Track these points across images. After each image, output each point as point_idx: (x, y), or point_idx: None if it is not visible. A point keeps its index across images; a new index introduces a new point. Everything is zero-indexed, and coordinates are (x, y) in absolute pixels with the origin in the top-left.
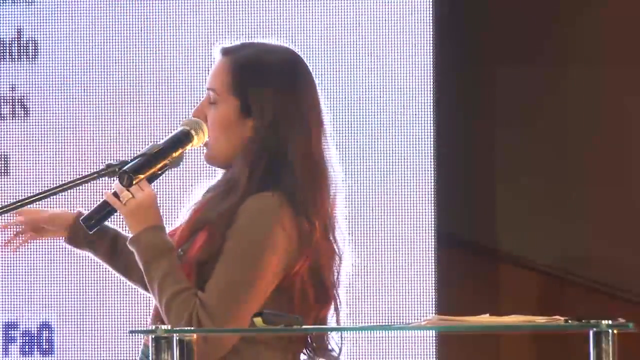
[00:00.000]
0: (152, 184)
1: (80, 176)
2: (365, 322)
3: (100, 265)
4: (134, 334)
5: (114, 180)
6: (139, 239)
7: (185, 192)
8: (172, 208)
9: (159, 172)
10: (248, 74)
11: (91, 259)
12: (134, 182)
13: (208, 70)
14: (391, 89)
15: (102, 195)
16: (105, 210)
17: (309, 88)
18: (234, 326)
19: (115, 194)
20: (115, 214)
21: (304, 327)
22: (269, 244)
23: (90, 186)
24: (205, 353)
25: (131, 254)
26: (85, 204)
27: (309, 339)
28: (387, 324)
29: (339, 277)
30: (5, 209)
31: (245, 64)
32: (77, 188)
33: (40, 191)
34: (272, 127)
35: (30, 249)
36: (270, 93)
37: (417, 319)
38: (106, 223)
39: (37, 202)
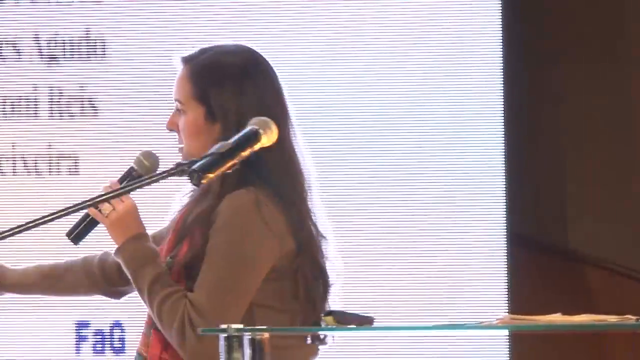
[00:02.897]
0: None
1: (149, 175)
2: (438, 322)
3: None
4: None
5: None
6: (123, 249)
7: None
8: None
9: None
10: (206, 79)
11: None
12: (202, 181)
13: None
14: (461, 88)
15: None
16: (86, 222)
17: (269, 83)
18: (226, 322)
19: (96, 206)
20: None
21: (373, 325)
22: (250, 238)
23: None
24: (199, 353)
25: (53, 274)
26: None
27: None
28: (460, 323)
29: (326, 257)
30: (78, 207)
31: (202, 69)
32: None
33: (109, 190)
34: (238, 126)
35: (102, 247)
36: (230, 94)
37: (490, 319)
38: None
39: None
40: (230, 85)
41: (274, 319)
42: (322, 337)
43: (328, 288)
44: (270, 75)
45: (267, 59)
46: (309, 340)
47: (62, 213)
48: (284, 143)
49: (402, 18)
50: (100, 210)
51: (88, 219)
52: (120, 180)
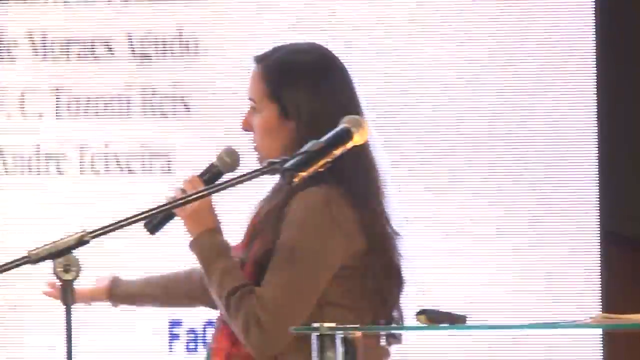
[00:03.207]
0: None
1: (242, 174)
2: (530, 321)
3: None
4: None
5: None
6: (197, 242)
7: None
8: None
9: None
10: (280, 77)
11: None
12: (295, 180)
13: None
14: (553, 85)
15: None
16: (164, 213)
17: (342, 81)
18: (292, 318)
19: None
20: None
21: (466, 324)
22: (319, 236)
23: None
24: (262, 347)
25: (174, 285)
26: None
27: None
28: (553, 322)
29: (401, 256)
30: (167, 207)
31: (276, 68)
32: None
33: (202, 189)
34: (312, 125)
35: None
36: (304, 92)
37: (583, 318)
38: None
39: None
40: (305, 84)
41: (343, 318)
42: (397, 335)
43: (401, 287)
44: (344, 74)
45: (339, 58)
46: (382, 342)
47: (152, 211)
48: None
49: (497, 17)
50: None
51: (167, 213)
52: (201, 176)
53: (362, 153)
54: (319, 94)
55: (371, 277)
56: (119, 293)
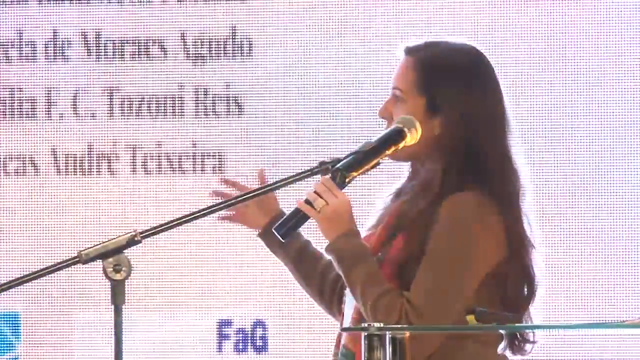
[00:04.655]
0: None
1: (294, 174)
2: (581, 321)
3: None
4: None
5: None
6: (336, 246)
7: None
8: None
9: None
10: (435, 72)
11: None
12: (346, 180)
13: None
14: (610, 87)
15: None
16: (297, 217)
17: (494, 86)
18: (444, 324)
19: (308, 202)
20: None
21: (516, 324)
22: (472, 242)
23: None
24: (412, 352)
25: (314, 263)
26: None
27: (517, 334)
28: (603, 322)
29: (535, 264)
30: (219, 206)
31: (431, 63)
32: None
33: (254, 188)
34: (461, 125)
35: (242, 245)
36: (457, 91)
37: (634, 318)
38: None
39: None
40: (458, 83)
41: None
42: (523, 345)
43: (533, 295)
44: (494, 77)
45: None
46: (501, 349)
47: (208, 211)
48: (504, 146)
49: (582, 16)
50: (312, 206)
51: (300, 215)
52: (333, 178)
53: (507, 158)
54: (470, 95)
55: (510, 284)
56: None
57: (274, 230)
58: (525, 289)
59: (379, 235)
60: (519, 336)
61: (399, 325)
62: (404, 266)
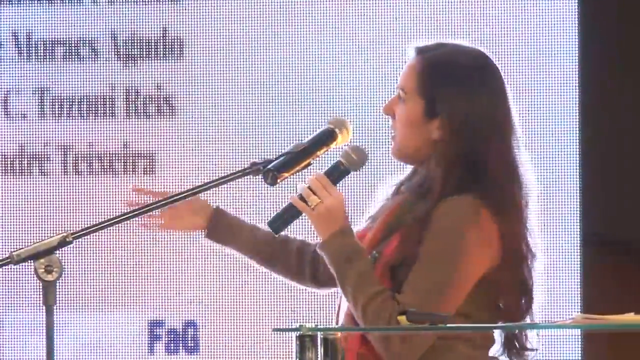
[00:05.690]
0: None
1: (226, 174)
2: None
3: (244, 262)
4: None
5: (259, 178)
6: (328, 244)
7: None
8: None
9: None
10: (436, 74)
11: (235, 256)
12: (277, 181)
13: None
14: (534, 86)
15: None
16: (291, 213)
17: (498, 91)
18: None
19: (302, 198)
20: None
21: (448, 325)
22: (467, 247)
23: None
24: (400, 354)
25: (272, 244)
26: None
27: (514, 341)
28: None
29: (535, 277)
30: (149, 208)
31: (434, 64)
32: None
33: (185, 189)
34: (463, 128)
35: (173, 246)
36: (460, 93)
37: (563, 318)
38: (239, 216)
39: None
40: (462, 86)
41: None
42: (522, 353)
43: (530, 304)
44: (501, 83)
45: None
46: (495, 353)
47: (139, 212)
48: (507, 154)
49: (480, 18)
50: (307, 202)
51: (293, 210)
52: (327, 174)
53: (510, 166)
54: (471, 100)
55: (501, 290)
56: (222, 224)
57: (267, 225)
58: (523, 300)
59: (374, 233)
60: (517, 344)
61: (390, 327)
62: (397, 267)
